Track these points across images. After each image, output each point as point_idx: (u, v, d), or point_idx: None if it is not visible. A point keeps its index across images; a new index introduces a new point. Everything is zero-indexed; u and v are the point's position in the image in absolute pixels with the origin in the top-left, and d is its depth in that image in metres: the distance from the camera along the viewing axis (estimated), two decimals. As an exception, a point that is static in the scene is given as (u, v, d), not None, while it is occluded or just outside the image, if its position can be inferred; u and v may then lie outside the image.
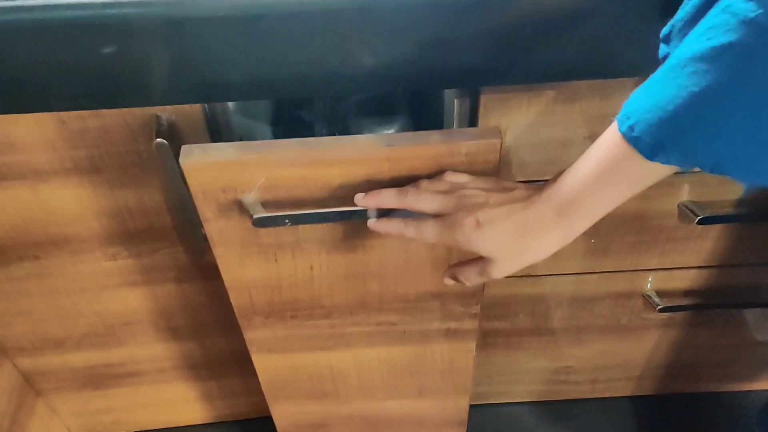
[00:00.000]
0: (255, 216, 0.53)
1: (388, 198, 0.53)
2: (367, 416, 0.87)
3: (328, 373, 0.78)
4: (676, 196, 0.71)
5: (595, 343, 0.93)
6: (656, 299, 0.83)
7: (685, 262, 0.79)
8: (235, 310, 0.68)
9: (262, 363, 0.75)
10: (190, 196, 0.55)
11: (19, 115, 0.59)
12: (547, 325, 0.89)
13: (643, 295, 0.84)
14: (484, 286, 0.69)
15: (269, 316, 0.68)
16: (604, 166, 0.45)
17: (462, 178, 0.54)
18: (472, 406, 0.97)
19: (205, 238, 0.59)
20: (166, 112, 0.58)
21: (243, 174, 0.53)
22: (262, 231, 0.57)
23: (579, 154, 0.47)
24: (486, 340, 0.91)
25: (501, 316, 0.87)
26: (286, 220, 0.54)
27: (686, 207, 0.70)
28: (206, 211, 0.55)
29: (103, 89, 0.52)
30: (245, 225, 0.57)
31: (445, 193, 0.52)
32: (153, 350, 0.89)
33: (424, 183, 0.53)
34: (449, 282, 0.57)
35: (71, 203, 0.68)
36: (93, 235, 0.72)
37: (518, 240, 0.49)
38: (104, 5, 0.47)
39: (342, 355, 0.75)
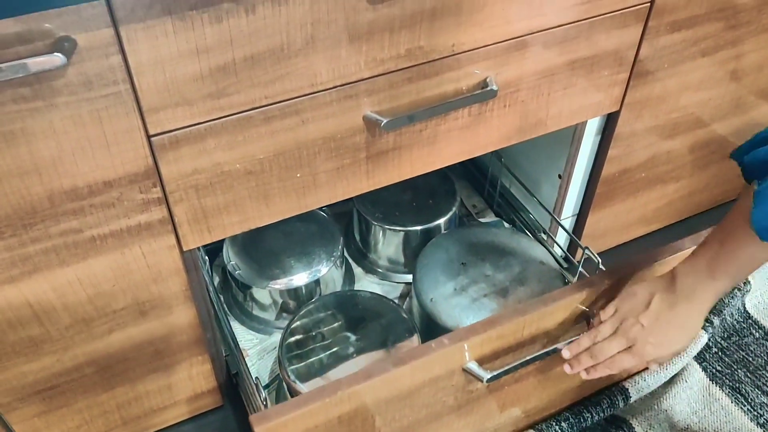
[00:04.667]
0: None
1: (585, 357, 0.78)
2: (98, 360, 0.83)
3: (29, 313, 0.73)
4: (358, 111, 0.76)
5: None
6: (480, 372, 0.79)
7: (391, 177, 0.85)
8: None
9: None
10: None
11: None
12: None
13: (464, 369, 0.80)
14: (159, 167, 0.70)
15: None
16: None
17: (610, 310, 0.78)
18: None
19: None
20: None
21: None
22: None
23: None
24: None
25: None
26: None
27: (370, 117, 0.76)
28: None
29: None
30: None
31: (615, 332, 0.76)
32: None
33: (601, 332, 0.77)
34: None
35: None
36: None
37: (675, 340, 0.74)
38: None
39: (36, 285, 0.71)
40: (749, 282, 1.16)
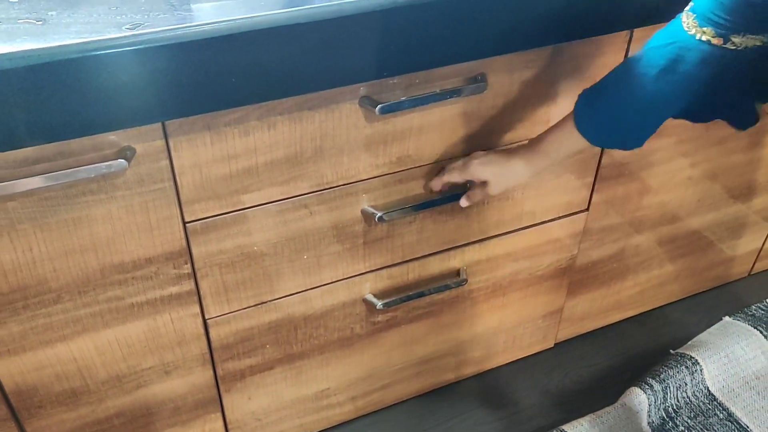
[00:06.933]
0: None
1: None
2: (124, 412, 0.96)
3: (74, 369, 0.87)
4: (357, 205, 0.91)
5: (340, 359, 1.09)
6: (374, 300, 1.01)
7: (385, 261, 1.00)
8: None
9: (6, 369, 0.82)
10: None
11: None
12: (293, 351, 1.03)
13: (363, 300, 1.02)
14: (191, 247, 0.84)
15: (1, 311, 0.77)
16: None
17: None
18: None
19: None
20: None
21: None
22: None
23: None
24: (243, 380, 1.02)
25: (249, 351, 0.99)
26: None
27: (367, 211, 0.92)
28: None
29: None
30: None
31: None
32: None
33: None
34: (465, 203, 0.94)
35: None
36: None
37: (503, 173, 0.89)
38: None
39: (82, 343, 0.85)
40: (699, 363, 1.28)
